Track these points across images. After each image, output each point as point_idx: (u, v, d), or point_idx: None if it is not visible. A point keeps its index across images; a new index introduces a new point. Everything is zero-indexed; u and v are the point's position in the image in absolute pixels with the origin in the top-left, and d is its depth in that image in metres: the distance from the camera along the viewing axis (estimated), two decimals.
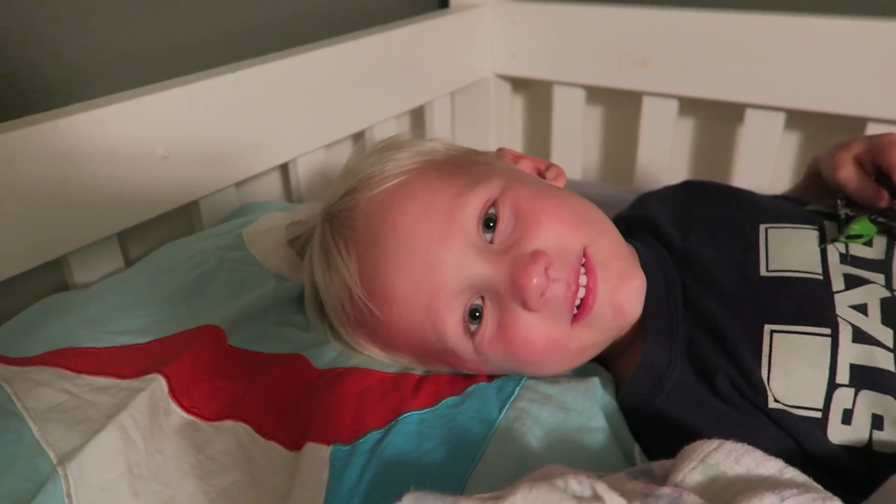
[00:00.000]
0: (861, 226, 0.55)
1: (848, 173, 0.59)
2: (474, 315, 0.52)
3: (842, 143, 0.62)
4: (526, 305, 0.50)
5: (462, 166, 0.57)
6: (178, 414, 0.51)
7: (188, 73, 0.76)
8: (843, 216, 0.57)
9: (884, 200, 0.57)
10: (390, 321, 0.53)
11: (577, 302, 0.52)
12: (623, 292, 0.52)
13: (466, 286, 0.51)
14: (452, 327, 0.52)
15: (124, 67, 0.76)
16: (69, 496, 0.44)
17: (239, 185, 0.83)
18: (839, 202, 0.58)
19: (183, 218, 0.79)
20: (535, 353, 0.52)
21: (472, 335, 0.52)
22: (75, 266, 0.68)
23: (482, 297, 0.52)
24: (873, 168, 0.59)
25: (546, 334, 0.51)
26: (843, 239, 0.55)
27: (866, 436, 0.49)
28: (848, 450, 0.49)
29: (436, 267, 0.51)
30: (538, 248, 0.51)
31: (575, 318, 0.52)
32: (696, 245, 0.61)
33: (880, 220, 0.55)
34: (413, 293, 0.52)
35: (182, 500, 0.47)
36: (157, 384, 0.51)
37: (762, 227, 0.59)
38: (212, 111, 0.75)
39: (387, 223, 0.53)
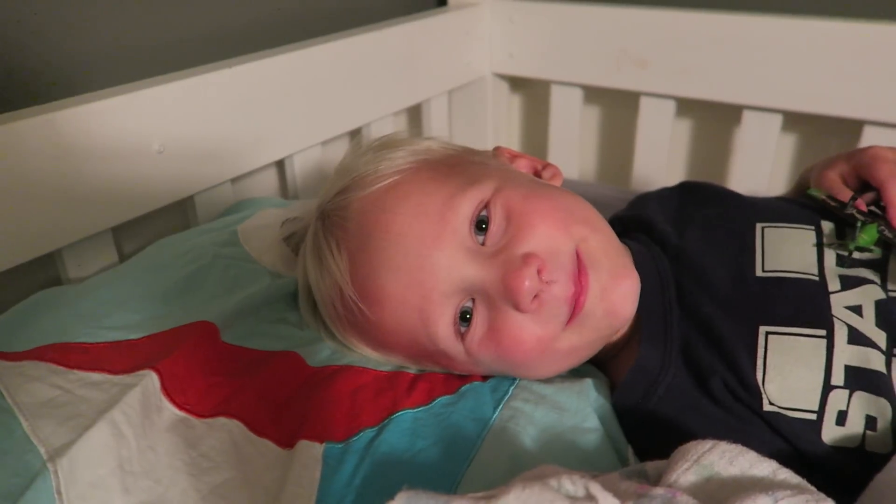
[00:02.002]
0: (869, 235, 0.55)
1: (830, 183, 0.60)
2: (464, 317, 0.52)
3: (829, 161, 0.63)
4: (518, 308, 0.50)
5: (456, 167, 0.57)
6: (171, 410, 0.51)
7: (185, 67, 0.76)
8: (859, 223, 0.56)
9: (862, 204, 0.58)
10: (381, 322, 0.53)
11: None
12: (615, 292, 0.52)
13: (458, 288, 0.51)
14: (444, 329, 0.51)
15: (120, 62, 0.76)
16: (59, 492, 0.44)
17: (234, 181, 0.82)
18: (850, 202, 0.57)
19: (178, 213, 0.79)
20: (524, 353, 0.52)
21: (462, 337, 0.52)
22: (69, 261, 0.68)
23: (472, 300, 0.52)
24: (858, 184, 0.60)
25: (537, 335, 0.51)
26: (851, 247, 0.55)
27: (860, 436, 0.49)
28: (841, 450, 0.49)
29: (428, 269, 0.51)
30: (529, 250, 0.50)
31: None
32: (692, 243, 0.60)
33: (886, 233, 0.55)
34: (405, 294, 0.51)
35: (174, 497, 0.47)
36: (150, 380, 0.51)
37: (759, 225, 0.59)
38: (208, 107, 0.75)
39: (379, 223, 0.52)
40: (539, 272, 0.49)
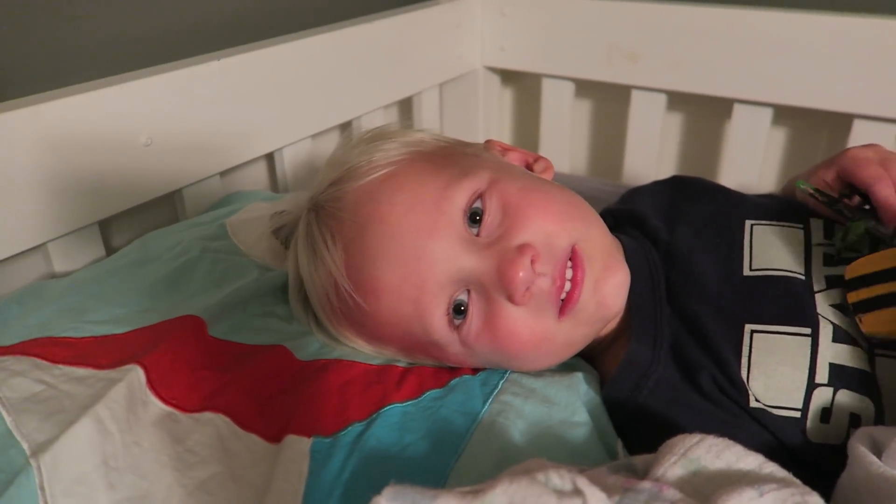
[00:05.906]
0: (856, 233, 0.54)
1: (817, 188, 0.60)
2: (459, 310, 0.52)
3: (811, 170, 0.63)
4: (511, 299, 0.50)
5: (450, 158, 0.57)
6: (157, 405, 0.51)
7: (173, 59, 0.75)
8: (849, 223, 0.55)
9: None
10: (377, 313, 0.53)
11: (563, 296, 0.51)
12: (606, 285, 0.52)
13: (454, 279, 0.51)
14: (438, 320, 0.51)
15: (108, 53, 0.75)
16: (42, 488, 0.43)
17: (223, 174, 0.82)
18: (838, 198, 0.57)
19: (166, 207, 0.78)
20: (520, 345, 0.52)
21: (457, 328, 0.52)
22: (55, 254, 0.67)
23: (468, 291, 0.52)
24: (843, 189, 0.59)
25: (531, 327, 0.51)
26: (840, 246, 0.55)
27: (843, 434, 0.49)
28: (826, 447, 0.49)
29: (424, 259, 0.50)
30: (525, 241, 0.50)
31: (560, 311, 0.51)
32: (682, 240, 0.60)
33: (874, 230, 0.54)
34: (400, 285, 0.51)
35: (159, 493, 0.46)
36: (135, 375, 0.50)
37: (748, 223, 0.59)
38: (197, 99, 0.74)
39: (374, 214, 0.52)
40: (532, 263, 0.49)
